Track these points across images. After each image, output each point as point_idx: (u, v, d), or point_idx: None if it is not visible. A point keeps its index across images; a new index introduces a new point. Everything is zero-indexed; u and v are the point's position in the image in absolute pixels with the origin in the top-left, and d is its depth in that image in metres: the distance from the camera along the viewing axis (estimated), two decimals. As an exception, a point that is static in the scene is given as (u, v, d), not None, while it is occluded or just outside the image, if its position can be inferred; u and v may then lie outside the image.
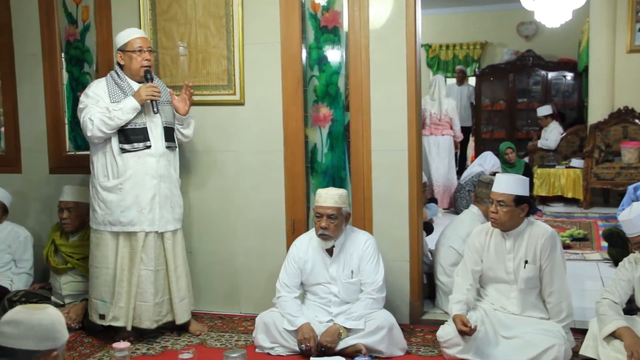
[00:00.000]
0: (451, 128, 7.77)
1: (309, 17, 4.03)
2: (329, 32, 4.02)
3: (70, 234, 4.15)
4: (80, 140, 4.55)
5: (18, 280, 4.32)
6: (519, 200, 3.34)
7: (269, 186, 4.14)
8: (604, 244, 5.47)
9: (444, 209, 7.70)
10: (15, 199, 4.49)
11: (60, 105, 4.51)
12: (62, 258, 4.11)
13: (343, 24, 4.00)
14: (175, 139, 3.85)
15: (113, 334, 3.82)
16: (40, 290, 4.27)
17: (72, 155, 4.55)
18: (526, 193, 3.39)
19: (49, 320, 2.06)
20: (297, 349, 3.48)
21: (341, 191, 3.61)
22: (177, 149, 3.89)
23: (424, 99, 7.77)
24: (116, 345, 3.15)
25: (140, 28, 4.12)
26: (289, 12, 3.99)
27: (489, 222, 3.49)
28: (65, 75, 4.55)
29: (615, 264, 3.76)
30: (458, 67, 10.34)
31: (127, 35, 3.73)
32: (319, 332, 3.46)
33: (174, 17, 4.17)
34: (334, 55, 4.03)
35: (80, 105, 3.68)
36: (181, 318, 3.85)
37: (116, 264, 3.69)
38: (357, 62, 3.92)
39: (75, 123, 4.54)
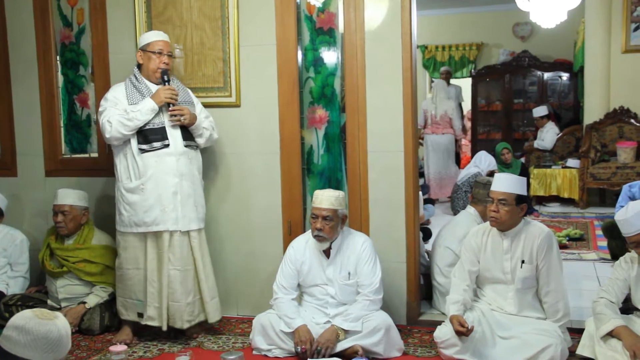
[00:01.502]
0: (451, 127, 8.33)
1: (305, 18, 4.03)
2: (324, 33, 4.02)
3: (65, 238, 4.13)
4: (76, 143, 4.54)
5: (14, 284, 4.30)
6: (519, 199, 3.34)
7: (265, 188, 4.13)
8: (601, 243, 5.48)
9: (446, 197, 8.17)
10: (11, 202, 4.47)
11: (55, 108, 4.50)
12: (57, 262, 4.09)
13: (338, 26, 4.00)
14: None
15: (110, 336, 3.82)
16: (36, 294, 4.27)
17: (68, 158, 4.54)
18: (525, 193, 3.40)
19: (56, 333, 2.02)
20: (294, 350, 3.48)
21: (338, 193, 3.61)
22: (198, 148, 3.89)
23: (426, 102, 8.67)
24: (113, 348, 3.14)
25: (135, 30, 4.14)
26: (284, 13, 3.99)
27: (486, 223, 3.49)
28: (60, 78, 4.54)
29: (614, 258, 3.76)
30: (443, 68, 10.27)
31: (150, 36, 3.80)
32: (316, 333, 3.45)
33: (169, 20, 4.16)
34: (329, 56, 4.03)
35: (100, 109, 3.73)
36: (213, 317, 3.86)
37: (146, 264, 3.71)
38: (352, 63, 3.93)
39: (71, 126, 4.54)
